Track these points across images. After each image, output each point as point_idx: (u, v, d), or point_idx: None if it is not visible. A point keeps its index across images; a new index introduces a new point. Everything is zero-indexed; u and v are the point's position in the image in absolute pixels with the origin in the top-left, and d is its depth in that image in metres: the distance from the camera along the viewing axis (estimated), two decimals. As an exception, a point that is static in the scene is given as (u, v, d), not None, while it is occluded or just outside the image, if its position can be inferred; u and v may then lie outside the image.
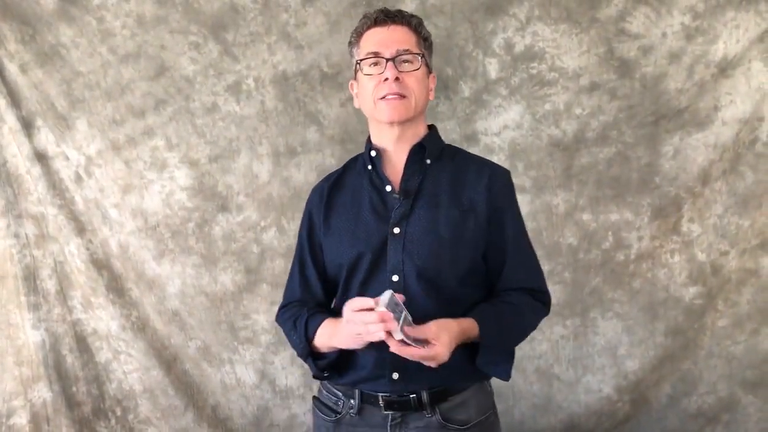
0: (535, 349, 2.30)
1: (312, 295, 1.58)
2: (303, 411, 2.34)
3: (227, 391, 2.36)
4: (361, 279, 1.46)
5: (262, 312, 2.30)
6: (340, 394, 1.51)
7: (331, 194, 1.57)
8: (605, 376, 2.32)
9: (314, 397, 1.60)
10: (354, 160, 1.63)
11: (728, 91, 2.15)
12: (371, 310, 1.27)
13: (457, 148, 1.63)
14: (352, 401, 1.48)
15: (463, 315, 1.42)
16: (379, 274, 1.45)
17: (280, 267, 2.26)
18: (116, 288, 2.30)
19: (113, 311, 2.29)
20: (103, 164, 2.24)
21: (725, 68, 2.13)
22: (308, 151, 2.23)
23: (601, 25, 2.16)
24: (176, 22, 2.19)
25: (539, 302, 1.54)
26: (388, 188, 1.50)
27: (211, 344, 2.33)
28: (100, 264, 2.29)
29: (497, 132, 2.21)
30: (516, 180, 2.18)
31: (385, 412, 1.45)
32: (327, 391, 1.55)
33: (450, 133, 2.20)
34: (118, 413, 2.36)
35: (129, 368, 2.33)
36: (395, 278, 1.44)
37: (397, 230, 1.45)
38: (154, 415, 2.36)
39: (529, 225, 2.19)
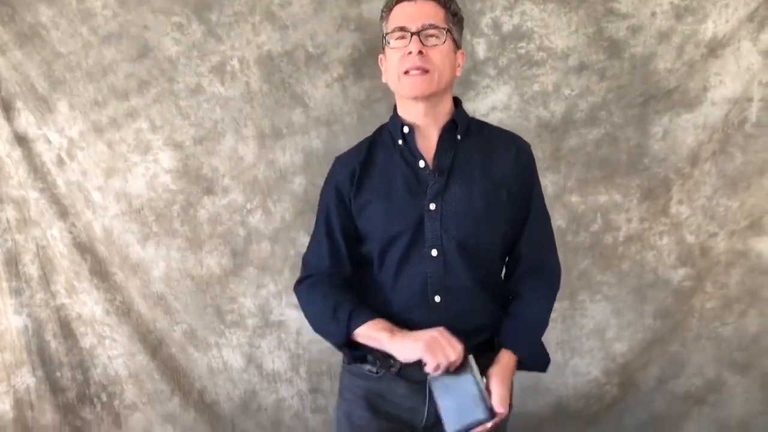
0: None
1: (341, 266, 1.57)
2: (290, 394, 2.32)
3: (214, 375, 2.34)
4: (399, 255, 1.50)
5: (249, 295, 2.27)
6: (379, 356, 1.52)
7: (362, 173, 1.55)
8: (593, 359, 2.32)
9: (344, 364, 1.62)
10: (379, 133, 1.62)
11: (717, 72, 2.13)
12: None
13: (481, 121, 1.66)
14: (392, 360, 1.49)
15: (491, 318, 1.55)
16: (417, 250, 1.49)
17: (267, 250, 2.24)
18: (100, 272, 2.27)
19: (97, 296, 2.26)
20: (86, 147, 2.20)
21: (715, 48, 2.11)
22: (294, 133, 2.20)
23: (589, 4, 2.13)
24: (159, 2, 2.14)
25: (551, 287, 1.65)
26: (422, 164, 1.52)
27: (197, 328, 2.31)
28: (84, 248, 2.26)
29: (485, 113, 2.18)
30: None
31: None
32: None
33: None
34: (104, 399, 2.34)
35: (114, 353, 2.31)
36: (434, 253, 1.48)
37: (433, 206, 1.48)
38: (140, 400, 2.34)
39: None
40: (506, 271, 1.64)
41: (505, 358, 1.51)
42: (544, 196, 2.18)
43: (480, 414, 1.39)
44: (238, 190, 2.23)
